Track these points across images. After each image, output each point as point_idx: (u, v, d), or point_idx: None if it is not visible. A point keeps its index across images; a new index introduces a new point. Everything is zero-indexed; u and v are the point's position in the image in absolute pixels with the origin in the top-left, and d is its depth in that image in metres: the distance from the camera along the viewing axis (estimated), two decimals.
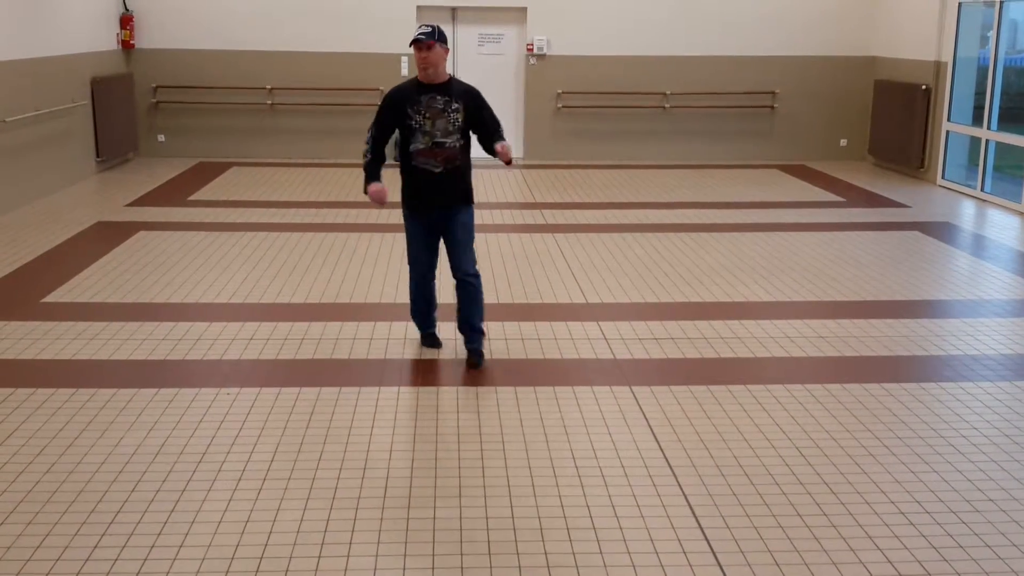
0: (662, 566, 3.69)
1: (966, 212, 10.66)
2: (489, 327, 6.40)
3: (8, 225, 9.20)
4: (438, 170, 5.54)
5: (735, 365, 5.86)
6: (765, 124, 13.93)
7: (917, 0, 12.62)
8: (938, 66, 12.18)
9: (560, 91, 13.60)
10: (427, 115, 5.47)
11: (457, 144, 5.56)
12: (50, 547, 3.76)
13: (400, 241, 8.74)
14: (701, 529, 3.96)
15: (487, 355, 5.85)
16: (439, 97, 5.51)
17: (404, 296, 7.13)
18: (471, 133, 5.67)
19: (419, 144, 5.51)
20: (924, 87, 12.29)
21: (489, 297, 7.12)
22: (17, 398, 5.18)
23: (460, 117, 5.53)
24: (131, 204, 10.31)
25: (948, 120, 12.05)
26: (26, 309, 6.71)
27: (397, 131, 5.58)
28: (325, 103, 13.25)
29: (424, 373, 5.66)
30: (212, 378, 5.52)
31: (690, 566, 3.69)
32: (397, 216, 9.92)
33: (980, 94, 11.68)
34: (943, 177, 12.12)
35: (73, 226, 9.19)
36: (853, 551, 3.80)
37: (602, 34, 13.54)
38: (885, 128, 13.26)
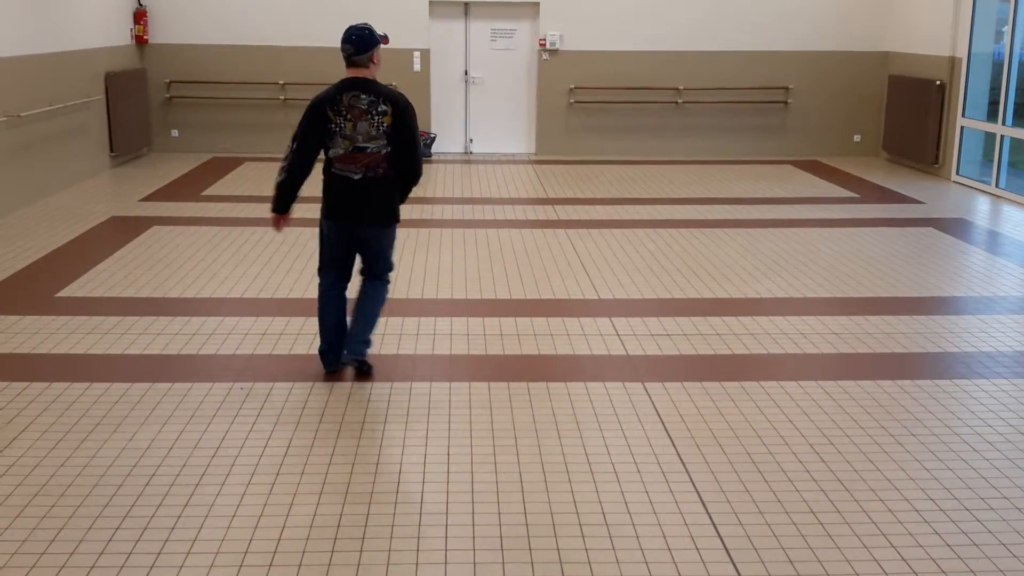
0: (675, 563, 3.68)
1: (981, 208, 10.60)
2: (501, 323, 6.41)
3: (23, 220, 9.24)
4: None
5: (748, 362, 5.84)
6: (778, 120, 13.88)
7: None
8: (953, 61, 12.11)
9: (572, 86, 13.58)
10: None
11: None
12: (65, 540, 3.78)
13: (413, 234, 8.76)
14: (714, 526, 3.95)
15: (495, 344, 5.83)
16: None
17: (416, 291, 7.15)
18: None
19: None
20: (939, 82, 12.22)
21: (501, 293, 7.13)
22: (32, 392, 5.21)
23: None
24: (145, 199, 10.34)
25: (963, 116, 11.99)
26: (41, 304, 6.74)
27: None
28: None
29: (436, 369, 5.66)
30: (226, 373, 5.53)
31: (703, 563, 3.68)
32: (410, 211, 9.97)
33: (995, 89, 11.61)
34: (958, 173, 12.06)
35: (87, 221, 9.23)
36: (867, 548, 3.79)
37: (615, 29, 13.52)
38: (899, 124, 13.20)
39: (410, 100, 5.25)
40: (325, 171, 5.19)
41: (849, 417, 5.02)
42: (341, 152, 5.08)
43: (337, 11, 13.21)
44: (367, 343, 5.42)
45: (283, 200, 5.26)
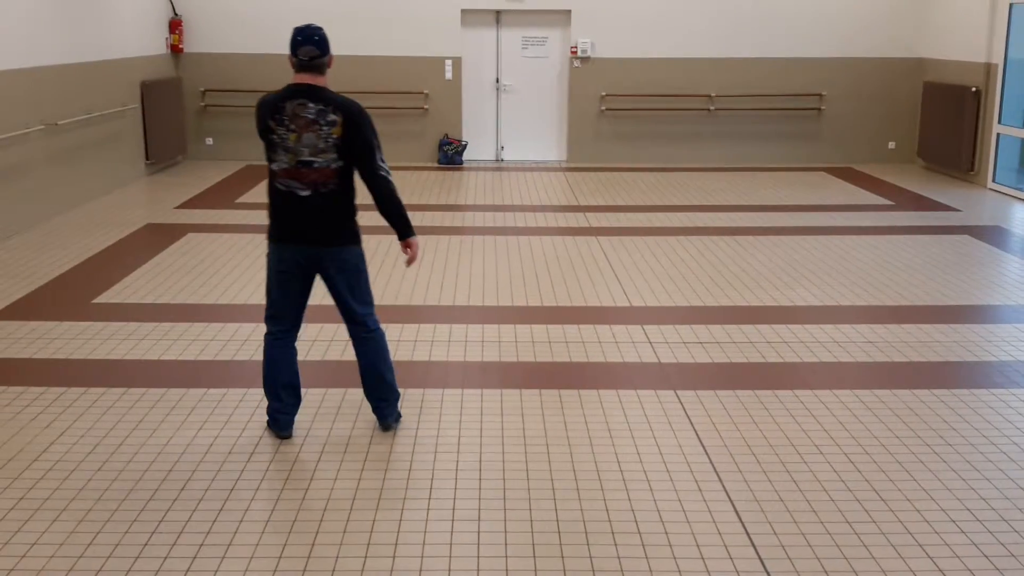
0: (708, 571, 3.66)
1: (1017, 215, 10.47)
2: (533, 330, 6.40)
3: (60, 227, 9.36)
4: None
5: (782, 370, 5.81)
6: (812, 126, 13.80)
7: (966, 1, 12.45)
8: (988, 68, 11.99)
9: (604, 93, 13.57)
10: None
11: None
12: (101, 544, 3.82)
13: (444, 241, 8.79)
14: (748, 535, 3.93)
15: (526, 351, 5.83)
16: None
17: (448, 298, 7.16)
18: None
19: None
20: (974, 89, 12.10)
21: (532, 300, 7.13)
22: (69, 397, 5.27)
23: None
24: (180, 206, 10.45)
25: (999, 122, 11.86)
26: (78, 310, 6.82)
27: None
28: (369, 107, 13.24)
29: (467, 376, 5.67)
30: (260, 378, 5.56)
31: (736, 572, 3.66)
32: (441, 218, 10.00)
33: None
34: (993, 180, 11.92)
35: (123, 228, 9.33)
36: (903, 559, 3.75)
37: (646, 36, 13.50)
38: (934, 130, 13.08)
39: (363, 107, 4.67)
40: (269, 185, 4.61)
41: (884, 426, 4.97)
42: (285, 166, 4.47)
43: (369, 19, 13.29)
44: (398, 395, 4.91)
45: None
